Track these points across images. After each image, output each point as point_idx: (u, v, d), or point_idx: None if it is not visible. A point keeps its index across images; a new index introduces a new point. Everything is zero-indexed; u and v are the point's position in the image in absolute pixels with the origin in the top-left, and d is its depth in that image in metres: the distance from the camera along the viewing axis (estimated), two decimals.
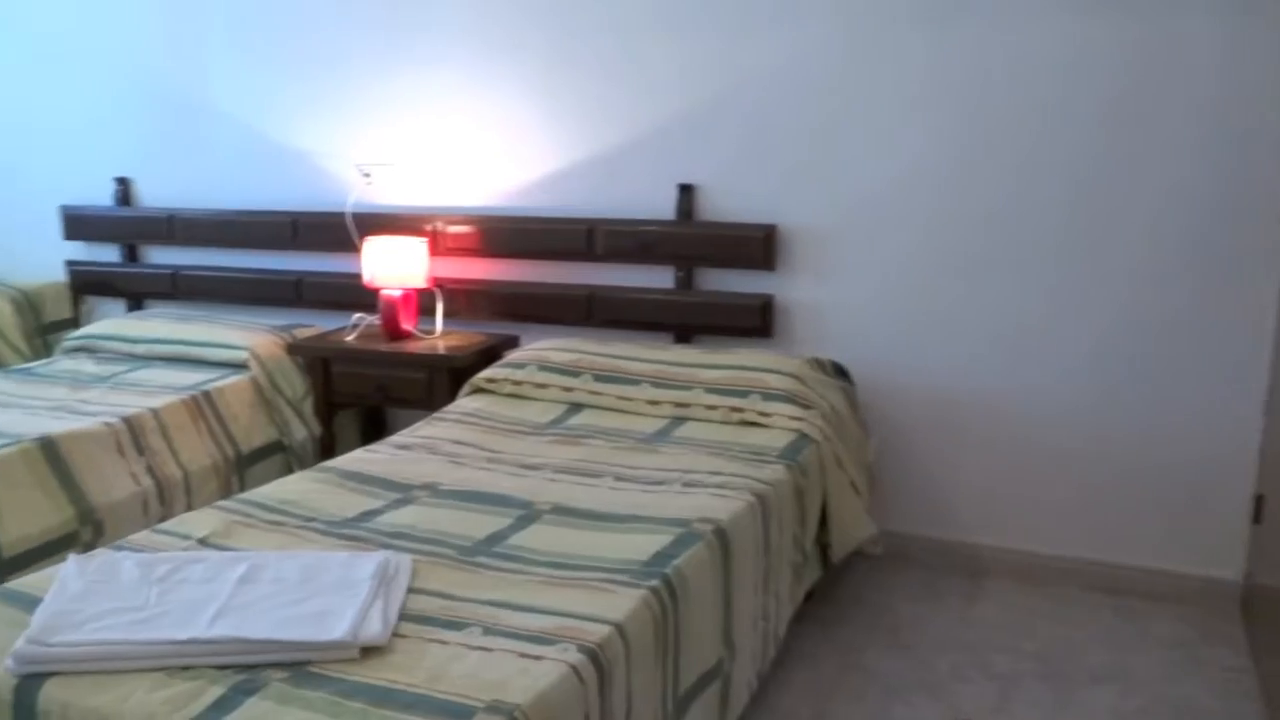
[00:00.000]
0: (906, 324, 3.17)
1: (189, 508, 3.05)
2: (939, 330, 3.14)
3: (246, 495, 2.33)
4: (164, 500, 2.99)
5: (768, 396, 2.85)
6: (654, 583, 1.89)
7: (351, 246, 3.64)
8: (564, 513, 2.23)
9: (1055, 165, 2.94)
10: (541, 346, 3.24)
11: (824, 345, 3.25)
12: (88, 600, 1.73)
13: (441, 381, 3.30)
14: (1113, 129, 2.88)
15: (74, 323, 4.29)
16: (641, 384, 2.97)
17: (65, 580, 1.80)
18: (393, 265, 3.43)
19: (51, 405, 3.11)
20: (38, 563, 2.62)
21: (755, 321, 3.26)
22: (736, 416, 2.84)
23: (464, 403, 3.07)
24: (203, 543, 2.06)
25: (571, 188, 3.47)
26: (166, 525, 2.16)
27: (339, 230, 3.70)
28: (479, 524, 2.17)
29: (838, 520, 2.77)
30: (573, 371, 3.06)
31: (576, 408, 2.99)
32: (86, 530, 2.77)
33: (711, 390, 2.91)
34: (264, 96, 3.86)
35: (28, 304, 4.16)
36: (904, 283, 3.15)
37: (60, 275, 4.32)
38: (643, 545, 2.05)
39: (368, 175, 3.70)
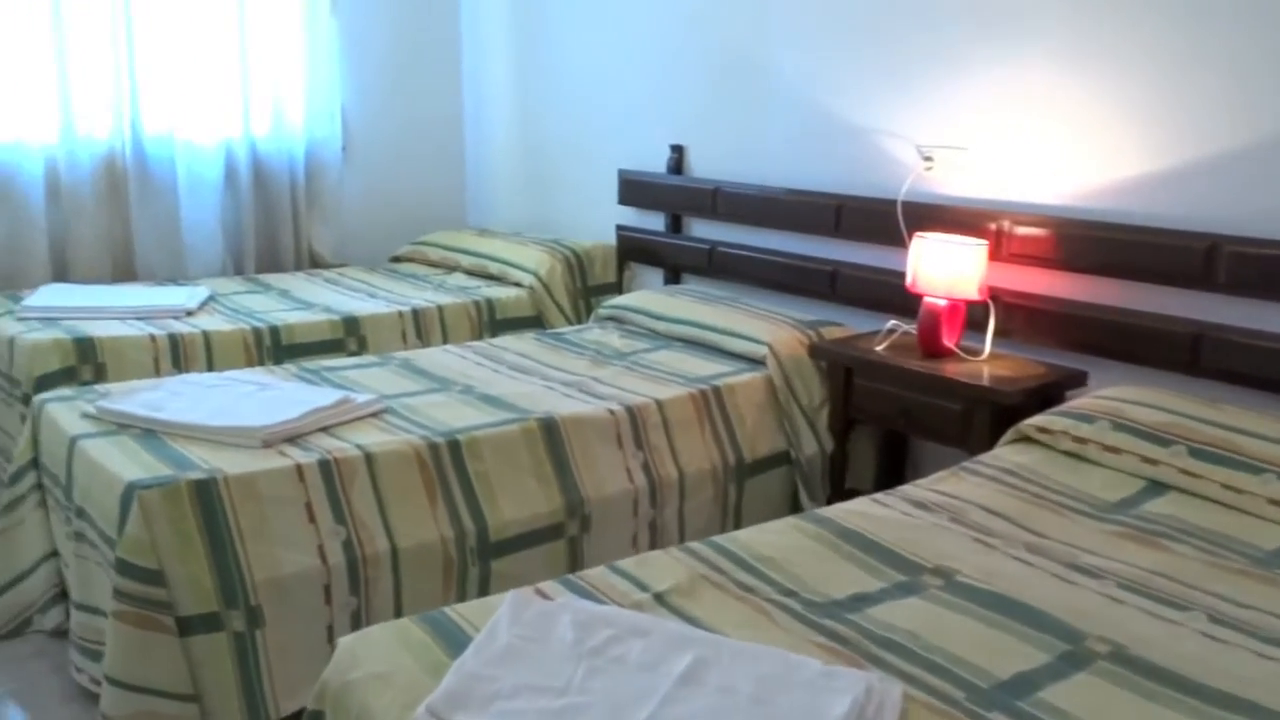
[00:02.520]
0: None
1: (680, 513, 2.81)
2: None
3: (723, 540, 1.97)
4: (655, 502, 2.76)
5: None
6: None
7: (898, 240, 3.14)
8: (1128, 664, 1.57)
9: None
10: (1120, 396, 2.50)
11: None
12: (507, 664, 1.45)
13: (981, 419, 2.69)
14: None
15: (617, 288, 4.30)
16: (1264, 473, 2.14)
17: (495, 627, 1.54)
18: (943, 268, 2.88)
19: (567, 380, 3.01)
20: (519, 550, 2.52)
21: None
22: None
23: (1005, 453, 2.46)
24: (659, 599, 1.72)
25: (1185, 191, 2.65)
26: (626, 564, 1.86)
27: (886, 220, 3.22)
28: (1002, 652, 1.60)
29: None
30: (1161, 438, 2.29)
31: (1158, 488, 2.24)
32: (573, 524, 2.61)
33: None
34: (824, 65, 3.47)
35: (577, 264, 4.22)
36: None
37: (610, 239, 4.35)
38: None
39: (929, 159, 3.17)
